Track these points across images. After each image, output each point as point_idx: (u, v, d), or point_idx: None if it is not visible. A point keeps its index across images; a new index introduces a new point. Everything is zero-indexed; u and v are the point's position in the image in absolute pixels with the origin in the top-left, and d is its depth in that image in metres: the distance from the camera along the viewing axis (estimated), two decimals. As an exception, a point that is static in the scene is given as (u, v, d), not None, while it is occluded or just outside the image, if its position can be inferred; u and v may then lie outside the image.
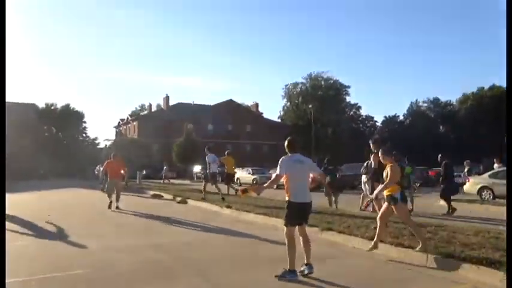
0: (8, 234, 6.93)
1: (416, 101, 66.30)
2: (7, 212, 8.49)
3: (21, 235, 7.56)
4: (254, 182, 26.21)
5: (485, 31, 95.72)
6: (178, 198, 13.90)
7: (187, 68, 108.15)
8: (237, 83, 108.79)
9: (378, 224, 5.86)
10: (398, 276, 4.79)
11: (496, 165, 16.08)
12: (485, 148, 42.88)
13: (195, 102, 59.44)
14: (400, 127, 63.35)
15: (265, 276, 4.63)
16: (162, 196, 15.90)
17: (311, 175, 5.00)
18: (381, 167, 6.54)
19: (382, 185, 5.78)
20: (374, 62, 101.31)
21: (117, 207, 11.32)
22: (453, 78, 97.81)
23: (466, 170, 16.11)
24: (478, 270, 4.65)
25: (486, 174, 15.05)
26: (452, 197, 11.37)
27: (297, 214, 4.67)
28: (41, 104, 54.37)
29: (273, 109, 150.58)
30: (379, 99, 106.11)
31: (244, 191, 5.21)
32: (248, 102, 66.20)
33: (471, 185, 14.95)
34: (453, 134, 58.51)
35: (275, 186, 5.06)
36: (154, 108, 64.79)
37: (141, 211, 11.21)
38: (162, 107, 61.56)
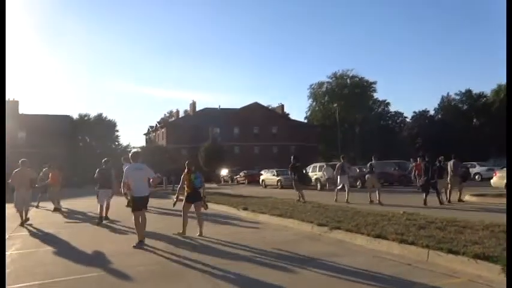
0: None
1: (448, 94, 64.16)
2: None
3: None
4: (278, 183, 26.31)
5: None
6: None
7: (213, 69, 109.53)
8: (262, 85, 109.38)
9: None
10: (395, 270, 4.81)
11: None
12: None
13: (221, 107, 60.31)
14: (430, 122, 61.43)
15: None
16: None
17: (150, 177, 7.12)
18: None
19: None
20: (400, 56, 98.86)
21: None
22: (485, 69, 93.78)
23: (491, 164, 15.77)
24: (476, 264, 4.61)
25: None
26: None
27: (138, 203, 6.85)
28: (75, 115, 56.83)
29: (299, 110, 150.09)
30: (408, 95, 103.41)
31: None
32: (274, 104, 66.38)
33: (498, 178, 14.52)
34: (488, 126, 56.04)
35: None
36: (182, 114, 66.16)
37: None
38: (189, 112, 62.79)
